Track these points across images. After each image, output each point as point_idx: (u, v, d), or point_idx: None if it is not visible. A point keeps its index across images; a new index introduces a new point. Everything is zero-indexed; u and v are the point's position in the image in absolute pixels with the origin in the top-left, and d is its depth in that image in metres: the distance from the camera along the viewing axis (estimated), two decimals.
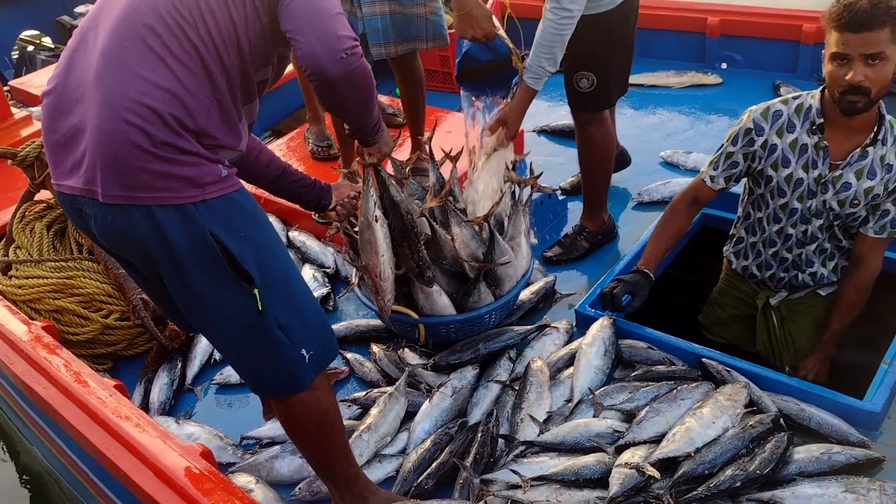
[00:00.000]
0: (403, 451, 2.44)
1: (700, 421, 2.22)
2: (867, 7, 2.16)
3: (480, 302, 2.64)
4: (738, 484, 2.07)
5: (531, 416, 2.40)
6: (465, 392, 2.55)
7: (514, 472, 2.22)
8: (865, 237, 2.55)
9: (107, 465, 2.12)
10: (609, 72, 2.93)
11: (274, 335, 1.87)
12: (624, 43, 2.96)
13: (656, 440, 2.23)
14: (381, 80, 4.32)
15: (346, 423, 2.24)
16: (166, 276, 1.82)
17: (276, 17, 1.84)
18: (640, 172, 3.79)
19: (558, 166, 3.87)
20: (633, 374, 2.55)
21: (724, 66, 4.83)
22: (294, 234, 3.51)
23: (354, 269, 2.64)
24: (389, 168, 2.66)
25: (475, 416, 2.49)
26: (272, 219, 3.55)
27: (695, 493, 2.09)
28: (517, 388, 2.53)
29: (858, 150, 2.42)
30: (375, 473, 2.35)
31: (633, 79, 4.59)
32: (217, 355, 2.94)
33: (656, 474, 2.09)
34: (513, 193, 2.78)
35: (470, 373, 2.62)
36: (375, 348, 2.84)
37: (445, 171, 2.79)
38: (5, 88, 5.03)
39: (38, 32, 6.10)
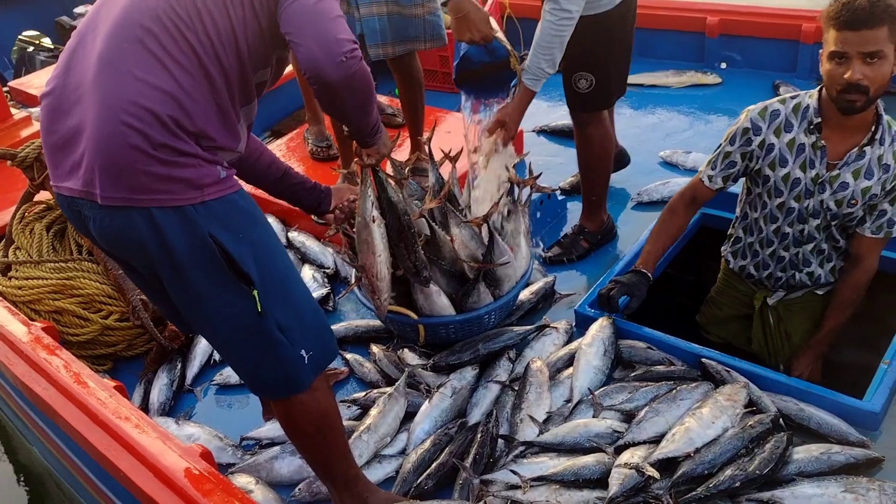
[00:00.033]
0: (403, 452, 2.44)
1: (699, 421, 2.22)
2: (866, 5, 2.17)
3: (480, 302, 2.65)
4: (737, 484, 2.07)
5: (531, 417, 2.41)
6: (464, 392, 2.55)
7: (514, 472, 2.22)
8: (862, 237, 2.55)
9: (107, 465, 2.13)
10: (608, 72, 2.93)
11: (273, 336, 1.87)
12: (622, 43, 2.96)
13: (656, 440, 2.23)
14: (380, 81, 4.32)
15: (345, 423, 2.24)
16: (165, 277, 1.82)
17: (275, 20, 1.83)
18: (640, 172, 3.79)
19: (558, 166, 3.87)
20: (633, 374, 2.55)
21: (723, 65, 4.83)
22: (294, 235, 3.51)
23: (354, 270, 2.64)
24: (389, 169, 2.66)
25: (475, 416, 2.49)
26: (272, 219, 3.55)
27: (694, 493, 2.09)
28: (517, 388, 2.53)
29: (856, 149, 2.42)
30: (375, 474, 2.35)
31: (632, 79, 4.60)
32: (217, 356, 2.94)
33: (656, 474, 2.09)
34: (510, 191, 2.78)
35: (469, 373, 2.62)
36: (375, 349, 2.84)
37: (445, 171, 2.79)
38: (5, 89, 5.03)
39: (37, 33, 6.09)
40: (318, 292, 3.16)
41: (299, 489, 2.34)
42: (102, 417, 2.18)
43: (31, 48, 5.93)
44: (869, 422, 2.28)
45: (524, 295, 2.96)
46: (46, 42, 5.99)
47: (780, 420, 2.29)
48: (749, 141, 2.53)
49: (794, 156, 2.48)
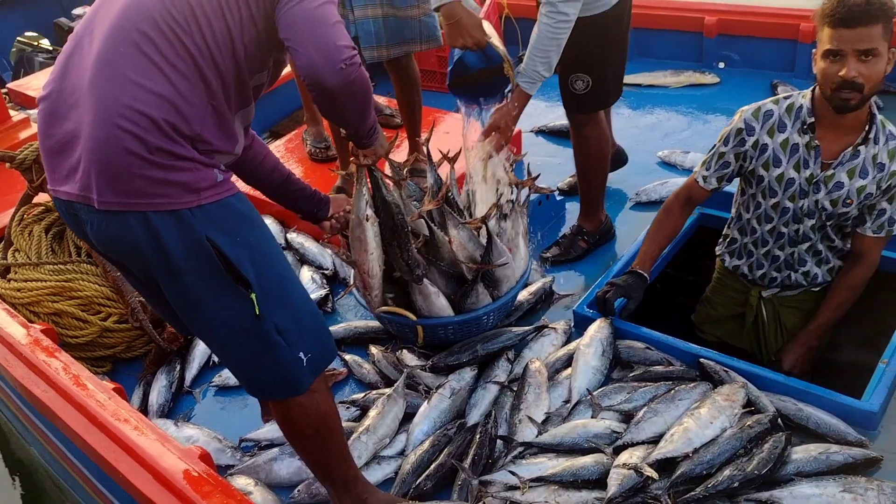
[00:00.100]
0: (402, 453, 2.44)
1: (698, 421, 2.22)
2: (861, 3, 2.18)
3: (478, 303, 2.65)
4: (736, 484, 2.08)
5: (529, 417, 2.41)
6: (463, 393, 2.56)
7: (513, 473, 2.22)
8: (864, 236, 2.55)
9: (106, 467, 2.13)
10: (604, 73, 2.93)
11: (271, 339, 1.87)
12: (618, 44, 2.95)
13: (654, 441, 2.24)
14: (378, 81, 4.34)
15: (344, 424, 2.24)
16: (162, 281, 1.82)
17: (273, 23, 1.83)
18: (638, 172, 3.79)
19: (556, 167, 3.87)
20: (631, 374, 2.55)
21: (721, 65, 4.83)
22: (292, 236, 3.52)
23: (352, 272, 2.65)
24: (387, 169, 2.67)
25: (473, 417, 2.49)
26: (271, 220, 3.56)
27: (693, 493, 2.09)
28: (515, 389, 2.53)
29: (850, 149, 2.42)
30: (374, 475, 2.35)
31: (630, 79, 4.64)
32: (216, 358, 2.94)
33: (654, 475, 2.09)
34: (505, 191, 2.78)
35: (468, 374, 2.62)
36: (374, 350, 2.85)
37: (443, 172, 2.79)
38: (3, 91, 5.03)
39: (35, 34, 6.09)
40: (316, 293, 3.16)
41: (298, 491, 2.34)
42: (101, 419, 2.19)
43: (29, 50, 5.93)
44: (867, 421, 2.28)
45: (523, 295, 2.96)
46: (45, 43, 5.99)
47: (779, 420, 2.29)
48: (743, 141, 2.53)
49: (787, 156, 2.48)
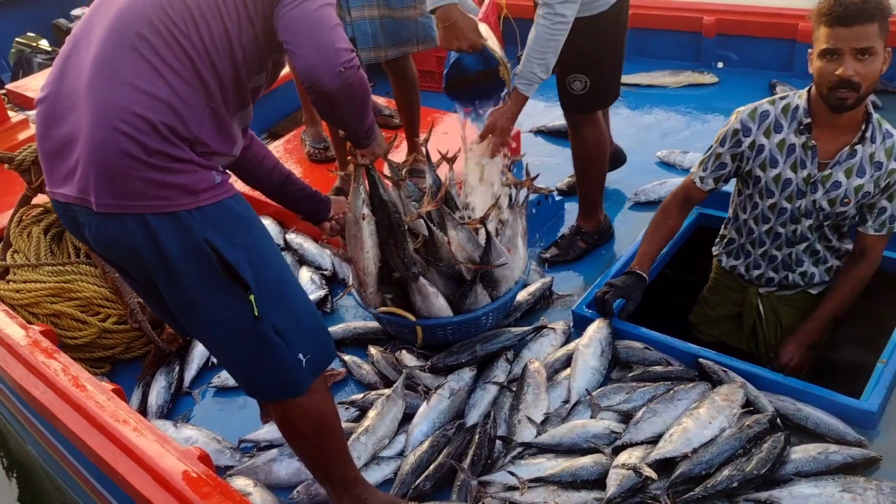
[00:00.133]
0: (401, 454, 2.44)
1: (697, 421, 2.22)
2: (858, 1, 2.18)
3: (477, 304, 2.65)
4: (735, 484, 2.08)
5: (528, 418, 2.41)
6: (462, 394, 2.56)
7: (512, 473, 2.22)
8: (866, 235, 2.55)
9: (105, 468, 2.13)
10: (602, 74, 2.93)
11: (270, 340, 1.87)
12: (616, 45, 2.95)
13: (653, 441, 2.23)
14: (377, 82, 4.34)
15: (343, 425, 2.24)
16: (161, 283, 1.82)
17: (271, 24, 1.83)
18: (637, 172, 3.80)
19: (555, 167, 3.87)
20: (630, 374, 2.55)
21: (720, 65, 4.84)
22: (291, 237, 3.52)
23: (351, 273, 2.66)
24: (386, 170, 2.67)
25: (473, 417, 2.49)
26: (269, 221, 3.56)
27: (692, 493, 2.09)
28: (514, 389, 2.53)
29: (847, 148, 2.42)
30: (373, 476, 2.35)
31: (629, 79, 4.64)
32: (215, 359, 2.93)
33: (653, 475, 2.09)
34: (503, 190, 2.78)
35: (467, 374, 2.62)
36: (373, 350, 2.85)
37: (442, 172, 2.79)
38: (2, 92, 5.03)
39: (34, 35, 6.09)
40: (315, 294, 3.16)
41: (298, 491, 2.34)
42: (100, 420, 2.18)
43: (28, 51, 5.93)
44: (866, 421, 2.28)
45: (522, 296, 2.96)
46: (44, 44, 5.99)
47: (778, 420, 2.29)
48: (739, 142, 2.54)
49: (784, 156, 2.49)
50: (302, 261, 3.41)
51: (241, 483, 2.35)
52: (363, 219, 2.51)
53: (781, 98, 2.50)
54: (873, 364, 2.43)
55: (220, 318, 1.85)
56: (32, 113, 4.48)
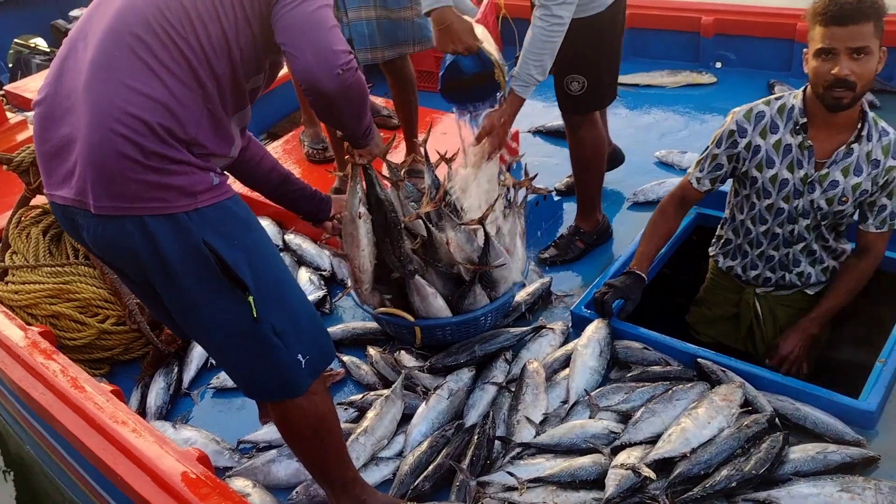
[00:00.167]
0: (400, 454, 2.44)
1: (695, 421, 2.22)
2: (853, 0, 2.18)
3: (476, 304, 2.65)
4: (733, 484, 2.08)
5: (527, 418, 2.41)
6: (461, 394, 2.56)
7: (511, 473, 2.22)
8: (867, 232, 2.55)
9: (104, 470, 2.12)
10: (599, 74, 2.93)
11: (269, 341, 1.87)
12: (613, 45, 2.95)
13: (652, 441, 2.24)
14: (375, 82, 4.34)
15: (342, 426, 2.24)
16: (159, 285, 1.82)
17: (268, 25, 1.83)
18: (635, 172, 3.80)
19: (553, 167, 3.87)
20: (629, 374, 2.55)
21: (718, 65, 4.84)
22: (290, 238, 3.51)
23: (347, 270, 2.66)
24: (385, 170, 2.67)
25: (471, 418, 2.49)
26: (268, 222, 3.56)
27: (691, 493, 2.09)
28: (513, 389, 2.53)
29: (843, 147, 2.43)
30: (372, 476, 2.35)
31: (627, 79, 4.65)
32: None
33: (652, 475, 2.09)
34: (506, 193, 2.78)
35: (466, 375, 2.62)
36: (372, 351, 2.85)
37: (441, 172, 2.79)
38: (0, 93, 5.03)
39: (33, 36, 6.09)
40: (314, 295, 3.16)
41: (297, 492, 2.34)
42: (99, 421, 2.18)
43: (26, 51, 5.93)
44: (865, 421, 2.28)
45: (520, 296, 2.96)
46: (42, 45, 5.99)
47: (776, 420, 2.29)
48: (735, 143, 2.54)
49: (780, 157, 2.49)
50: (301, 261, 3.41)
51: (239, 484, 2.35)
52: (359, 217, 2.52)
53: (777, 98, 2.50)
54: (872, 364, 2.43)
55: (219, 319, 1.85)
56: (31, 114, 4.47)
